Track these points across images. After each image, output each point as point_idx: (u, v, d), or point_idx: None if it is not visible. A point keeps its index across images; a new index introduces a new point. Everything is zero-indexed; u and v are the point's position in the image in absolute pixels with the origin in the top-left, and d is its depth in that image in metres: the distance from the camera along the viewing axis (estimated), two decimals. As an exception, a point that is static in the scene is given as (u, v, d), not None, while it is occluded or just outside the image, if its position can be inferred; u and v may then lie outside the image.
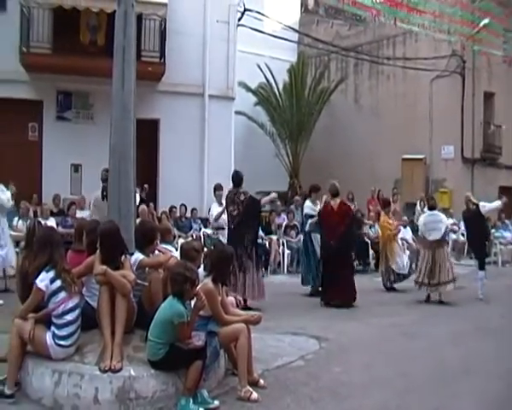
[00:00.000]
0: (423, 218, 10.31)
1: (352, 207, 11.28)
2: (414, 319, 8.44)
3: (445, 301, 9.74)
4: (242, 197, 8.78)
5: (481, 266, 10.35)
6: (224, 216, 9.78)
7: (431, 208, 10.29)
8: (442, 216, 10.33)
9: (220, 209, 10.22)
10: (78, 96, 14.52)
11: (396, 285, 11.17)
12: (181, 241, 11.31)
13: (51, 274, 4.58)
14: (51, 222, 10.85)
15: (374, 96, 21.22)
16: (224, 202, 9.59)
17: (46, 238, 4.79)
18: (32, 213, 12.14)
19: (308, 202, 10.74)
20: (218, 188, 11.08)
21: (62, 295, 4.56)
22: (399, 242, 11.52)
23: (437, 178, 19.37)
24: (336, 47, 21.14)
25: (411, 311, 9.11)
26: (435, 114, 18.90)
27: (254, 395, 4.72)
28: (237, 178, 9.03)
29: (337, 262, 9.25)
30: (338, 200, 9.71)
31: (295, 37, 21.15)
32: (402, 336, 7.27)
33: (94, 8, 13.25)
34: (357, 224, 10.96)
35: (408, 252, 11.83)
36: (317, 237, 10.17)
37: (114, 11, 5.76)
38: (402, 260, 11.24)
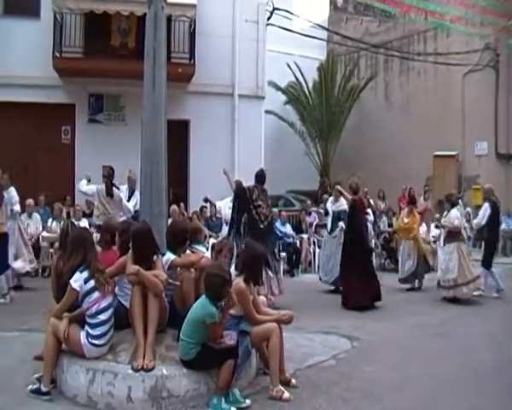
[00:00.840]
0: (455, 215, 10.04)
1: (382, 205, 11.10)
2: (443, 318, 8.28)
3: (465, 299, 9.47)
4: (268, 198, 8.71)
5: (488, 264, 10.08)
6: (226, 212, 9.60)
7: (451, 205, 10.03)
8: (457, 213, 10.06)
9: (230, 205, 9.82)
10: (110, 98, 14.74)
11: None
12: (212, 241, 11.38)
13: (85, 274, 4.65)
14: (83, 223, 11.01)
15: (404, 93, 20.95)
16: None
17: (80, 239, 4.88)
18: (65, 215, 12.36)
19: (329, 199, 10.79)
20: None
21: (96, 294, 4.63)
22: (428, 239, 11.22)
23: (470, 175, 18.98)
24: (366, 44, 20.95)
25: (439, 310, 8.91)
26: (468, 110, 18.52)
27: (286, 394, 4.71)
28: (263, 176, 8.84)
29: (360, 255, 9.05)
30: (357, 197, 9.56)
31: (324, 35, 21.04)
32: (433, 336, 7.15)
33: (124, 12, 13.43)
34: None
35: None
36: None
37: (144, 14, 5.83)
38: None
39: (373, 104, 21.15)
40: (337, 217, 10.41)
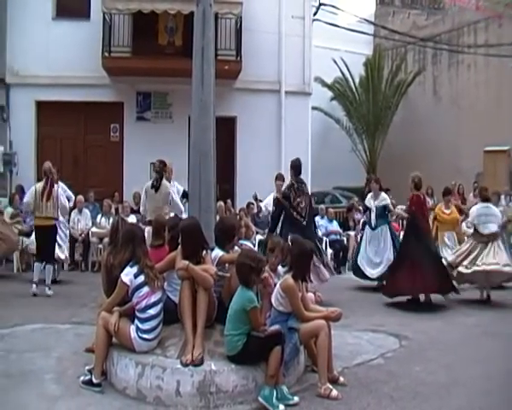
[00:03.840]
0: (476, 210, 9.64)
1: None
2: (491, 317, 8.03)
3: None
4: (305, 188, 8.59)
5: None
6: (270, 209, 9.49)
7: (484, 200, 9.67)
8: (495, 209, 9.68)
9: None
10: (157, 96, 14.93)
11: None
12: (258, 237, 11.40)
13: (135, 269, 4.72)
14: (131, 219, 11.18)
15: (453, 87, 20.45)
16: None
17: (130, 235, 4.95)
18: (113, 211, 12.61)
19: (368, 196, 10.61)
20: (279, 178, 10.55)
21: (145, 289, 4.69)
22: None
23: (522, 171, 18.40)
24: (413, 38, 20.56)
25: (483, 309, 8.64)
26: (520, 104, 17.95)
27: (334, 392, 4.67)
28: (299, 166, 8.68)
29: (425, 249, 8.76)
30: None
31: (371, 29, 20.80)
32: (482, 335, 6.95)
33: (171, 11, 13.58)
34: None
35: None
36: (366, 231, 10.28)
37: (191, 12, 5.88)
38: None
39: (421, 99, 20.76)
40: (380, 212, 10.24)
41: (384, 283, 9.47)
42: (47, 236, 9.07)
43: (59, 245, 9.77)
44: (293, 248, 5.18)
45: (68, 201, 10.65)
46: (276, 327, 4.57)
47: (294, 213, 8.42)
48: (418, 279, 8.41)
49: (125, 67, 13.81)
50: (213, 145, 5.52)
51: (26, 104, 14.31)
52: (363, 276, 10.35)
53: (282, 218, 8.62)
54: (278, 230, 8.55)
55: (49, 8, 14.48)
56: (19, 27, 14.14)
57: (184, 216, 8.12)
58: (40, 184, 9.13)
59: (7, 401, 4.46)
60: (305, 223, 8.48)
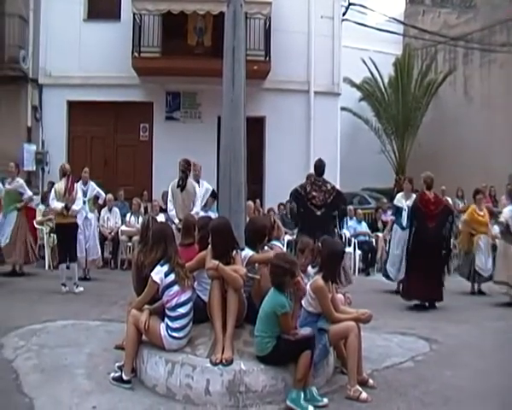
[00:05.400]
0: (509, 211, 9.45)
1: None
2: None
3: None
4: (329, 186, 8.57)
5: None
6: None
7: None
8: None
9: None
10: (186, 96, 15.06)
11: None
12: (287, 237, 11.37)
13: (165, 268, 4.75)
14: (161, 218, 11.20)
15: (485, 87, 20.07)
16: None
17: (161, 233, 4.98)
18: (142, 210, 12.73)
19: (398, 195, 10.48)
20: (309, 178, 10.59)
21: (176, 288, 4.71)
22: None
23: (556, 172, 17.99)
24: (444, 37, 20.25)
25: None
26: (556, 103, 17.56)
27: (364, 394, 4.63)
28: (320, 167, 8.62)
29: (431, 252, 8.56)
30: (432, 192, 9.19)
31: (400, 29, 20.56)
32: (514, 341, 6.84)
33: (201, 11, 13.69)
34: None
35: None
36: (396, 229, 10.03)
37: (220, 13, 5.89)
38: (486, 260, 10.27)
39: (451, 99, 20.44)
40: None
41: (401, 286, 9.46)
42: (69, 234, 9.20)
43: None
44: (323, 248, 5.15)
45: (98, 199, 10.86)
46: (306, 331, 4.54)
47: (308, 203, 8.41)
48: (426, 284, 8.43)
49: (155, 67, 13.96)
50: (244, 146, 5.52)
51: (58, 104, 14.59)
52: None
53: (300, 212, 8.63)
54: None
55: (80, 10, 14.75)
56: (51, 29, 14.44)
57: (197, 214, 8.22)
58: (60, 185, 9.26)
59: (41, 395, 4.54)
60: (319, 213, 8.38)
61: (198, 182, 9.71)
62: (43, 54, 14.60)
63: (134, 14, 13.86)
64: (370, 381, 4.97)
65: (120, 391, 4.65)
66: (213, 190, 9.87)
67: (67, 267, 9.11)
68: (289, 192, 8.75)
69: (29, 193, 10.69)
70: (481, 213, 10.55)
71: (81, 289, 8.99)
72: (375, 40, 18.49)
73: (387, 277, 10.30)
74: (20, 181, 10.56)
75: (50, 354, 5.55)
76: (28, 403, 4.40)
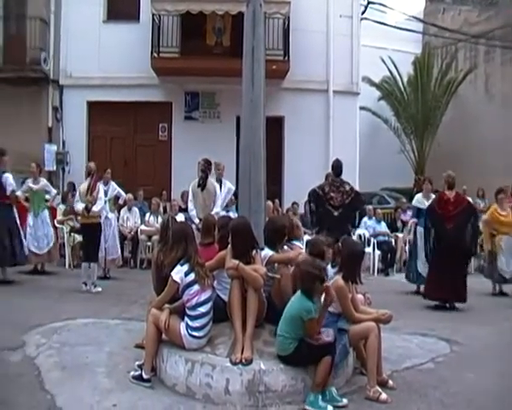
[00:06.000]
0: None
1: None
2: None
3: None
4: (348, 187, 8.53)
5: None
6: None
7: None
8: None
9: None
10: (205, 96, 15.11)
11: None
12: (306, 237, 11.32)
13: (186, 267, 4.76)
14: (180, 217, 11.27)
15: (507, 85, 19.81)
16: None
17: (181, 233, 4.99)
18: (161, 209, 12.80)
19: (418, 196, 10.33)
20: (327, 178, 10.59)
21: (196, 287, 4.72)
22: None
23: None
24: (465, 35, 20.04)
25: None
26: None
27: (383, 395, 4.60)
28: (337, 167, 8.60)
29: (451, 253, 8.45)
30: (454, 192, 9.09)
31: (420, 27, 20.42)
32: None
33: (219, 11, 13.73)
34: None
35: None
36: (420, 231, 9.67)
37: (239, 13, 5.89)
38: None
39: (472, 98, 20.21)
40: None
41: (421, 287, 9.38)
42: (93, 234, 9.29)
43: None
44: (343, 248, 5.13)
45: (119, 199, 10.97)
46: (329, 337, 4.52)
47: (326, 204, 8.44)
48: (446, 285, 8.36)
49: (174, 67, 14.02)
50: (264, 145, 5.52)
51: (78, 105, 14.75)
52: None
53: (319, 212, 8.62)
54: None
55: (100, 12, 14.89)
56: (72, 31, 14.59)
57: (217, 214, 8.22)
58: (84, 185, 9.36)
59: (62, 392, 4.58)
60: (336, 213, 8.40)
61: (221, 181, 9.67)
62: (64, 55, 14.78)
63: (153, 14, 13.96)
64: (390, 382, 4.93)
65: (140, 390, 4.67)
66: (236, 190, 9.88)
67: (89, 266, 9.20)
68: (307, 192, 8.74)
69: (54, 191, 11.04)
70: (504, 213, 10.34)
71: (99, 289, 9.05)
72: (395, 39, 18.37)
73: (412, 278, 10.13)
74: (44, 180, 10.77)
75: (71, 352, 5.60)
76: (50, 400, 4.45)
